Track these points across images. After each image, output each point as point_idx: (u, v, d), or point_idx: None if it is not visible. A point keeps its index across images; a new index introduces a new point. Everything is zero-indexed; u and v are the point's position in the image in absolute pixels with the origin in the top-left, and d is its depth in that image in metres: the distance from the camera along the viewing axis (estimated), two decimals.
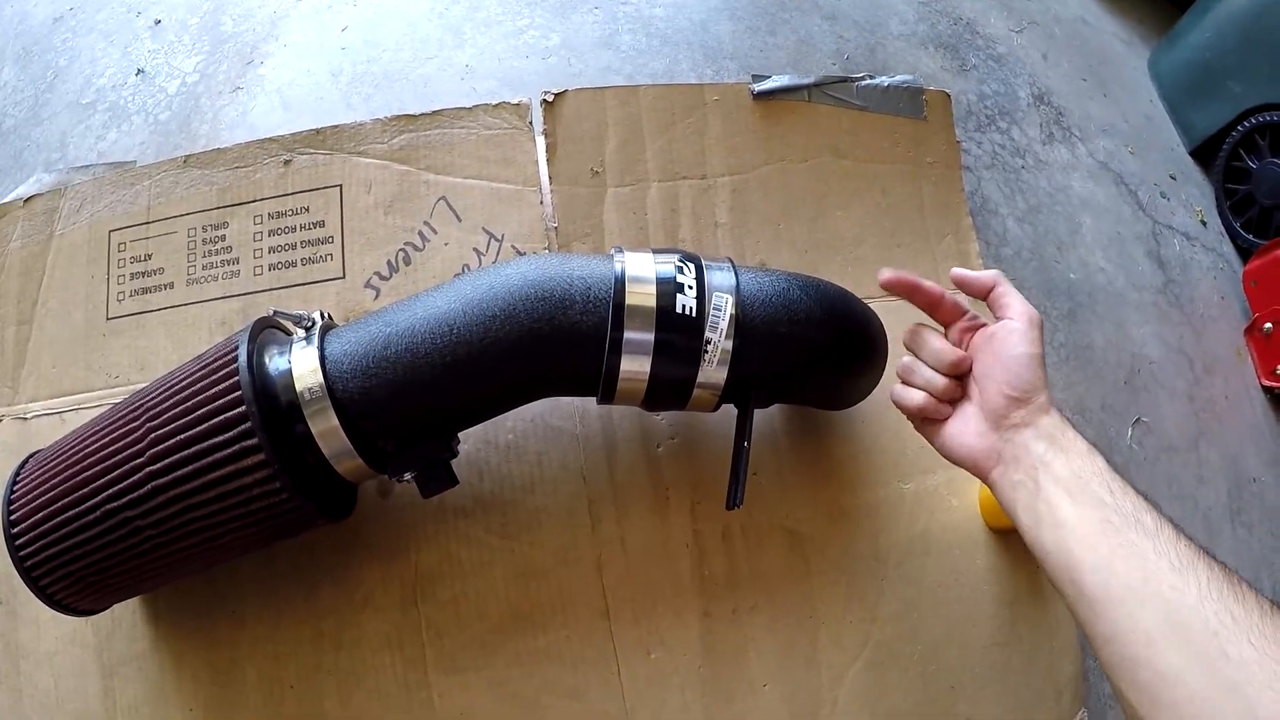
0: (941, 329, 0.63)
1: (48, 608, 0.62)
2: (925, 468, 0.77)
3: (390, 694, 0.67)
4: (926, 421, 0.61)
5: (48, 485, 0.59)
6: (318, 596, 0.69)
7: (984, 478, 0.56)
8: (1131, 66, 1.31)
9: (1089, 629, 0.46)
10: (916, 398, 0.60)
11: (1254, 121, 1.22)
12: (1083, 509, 0.48)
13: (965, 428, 0.57)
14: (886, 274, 0.61)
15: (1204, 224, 1.18)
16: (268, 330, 0.62)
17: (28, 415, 0.76)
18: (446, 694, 0.67)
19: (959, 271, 0.61)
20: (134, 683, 0.69)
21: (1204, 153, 1.29)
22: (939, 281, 0.83)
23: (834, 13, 1.04)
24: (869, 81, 0.86)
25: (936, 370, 0.59)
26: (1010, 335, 0.56)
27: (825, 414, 0.76)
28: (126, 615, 0.70)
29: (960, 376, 0.59)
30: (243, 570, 0.69)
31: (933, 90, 0.88)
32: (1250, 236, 1.22)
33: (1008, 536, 0.77)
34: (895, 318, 0.72)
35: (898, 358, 0.73)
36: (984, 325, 0.60)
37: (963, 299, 0.62)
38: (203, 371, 0.58)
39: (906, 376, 0.61)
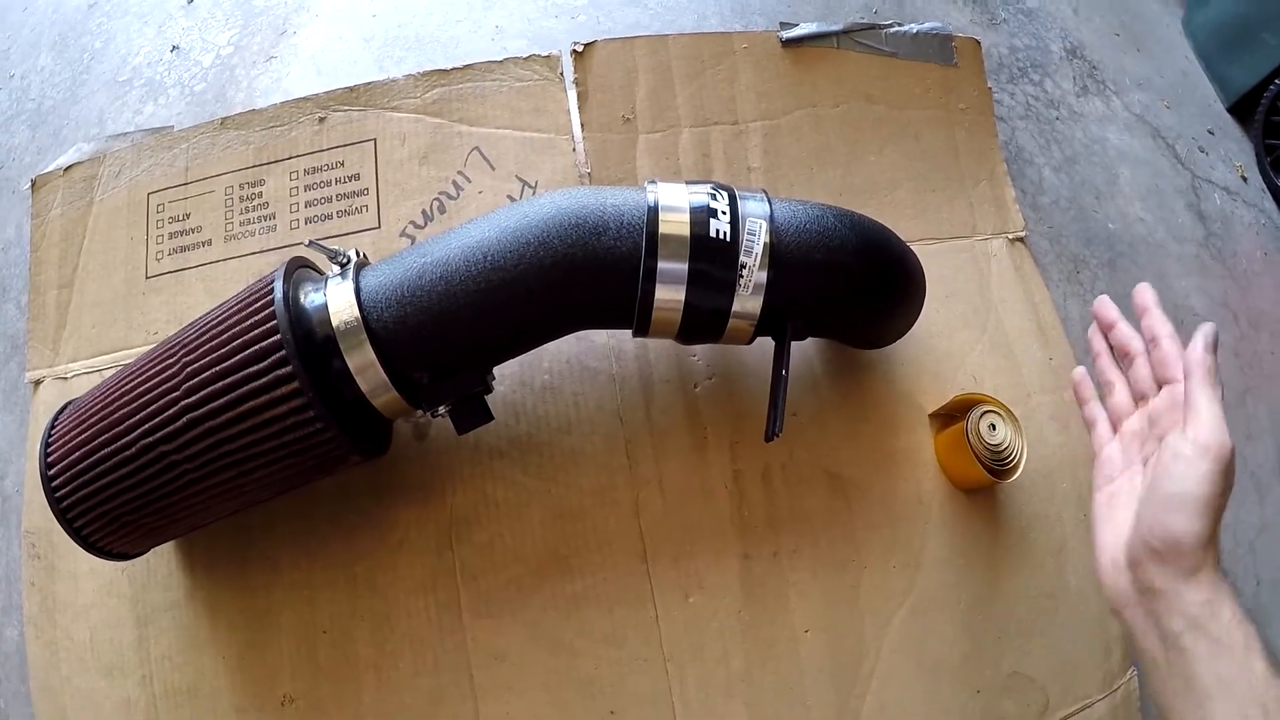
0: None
1: (85, 560, 0.63)
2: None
3: (424, 637, 0.67)
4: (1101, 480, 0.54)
5: (84, 426, 0.60)
6: (352, 541, 0.69)
7: (1120, 611, 0.48)
8: (1165, 24, 1.29)
9: None
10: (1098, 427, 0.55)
11: None
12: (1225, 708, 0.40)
13: (1106, 558, 0.49)
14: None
15: (1245, 180, 1.15)
16: (302, 269, 0.63)
17: (68, 375, 0.77)
18: (481, 637, 0.67)
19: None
20: (168, 632, 0.69)
21: (1242, 109, 1.25)
22: (974, 226, 0.83)
23: None
24: (898, 29, 0.85)
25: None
26: (1174, 463, 0.45)
27: (863, 354, 0.75)
28: (161, 564, 0.71)
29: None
30: (278, 516, 0.70)
31: (962, 37, 0.87)
32: None
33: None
34: (932, 260, 0.71)
35: (937, 300, 0.72)
36: (1176, 385, 0.51)
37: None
38: (238, 307, 0.58)
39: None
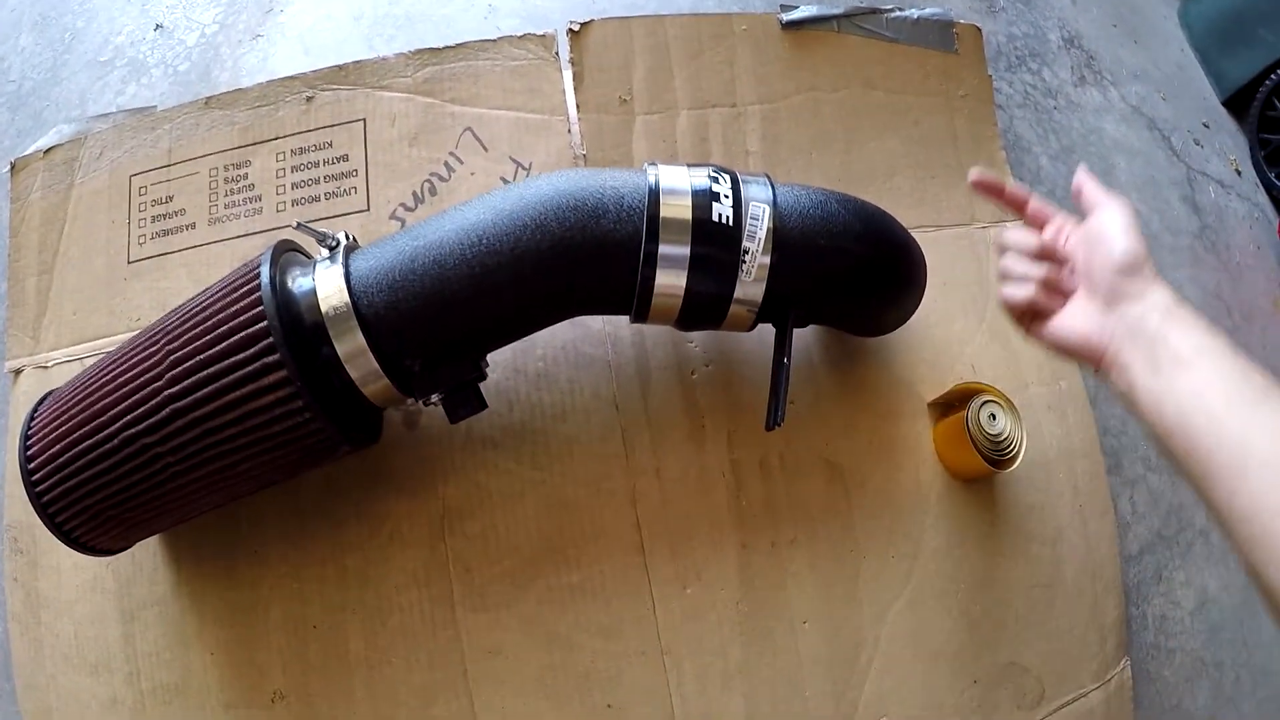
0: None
1: (68, 555, 0.61)
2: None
3: (417, 632, 0.66)
4: (1034, 318, 0.56)
5: (65, 418, 0.58)
6: (342, 533, 0.68)
7: (1098, 364, 0.51)
8: (1161, 16, 1.29)
9: (1222, 509, 0.42)
10: (1023, 291, 0.55)
11: None
12: (1209, 382, 0.45)
13: (1075, 313, 0.53)
14: (975, 174, 0.59)
15: (1239, 173, 1.15)
16: (290, 253, 0.61)
17: (49, 364, 0.75)
18: (475, 631, 0.66)
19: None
20: (154, 627, 0.68)
21: (1237, 102, 1.26)
22: (973, 214, 0.83)
23: None
24: (899, 14, 0.84)
25: (1036, 258, 0.56)
26: (1108, 221, 0.52)
27: (861, 341, 0.74)
28: (147, 559, 0.69)
29: (1059, 262, 0.56)
30: (266, 508, 0.68)
31: (963, 24, 0.86)
32: None
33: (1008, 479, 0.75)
34: (931, 248, 0.70)
35: (935, 288, 0.71)
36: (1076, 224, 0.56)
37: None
38: (222, 292, 0.56)
39: (1008, 273, 0.57)
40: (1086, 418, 0.80)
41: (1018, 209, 0.60)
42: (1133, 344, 0.49)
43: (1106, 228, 0.52)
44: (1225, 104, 1.27)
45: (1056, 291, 0.55)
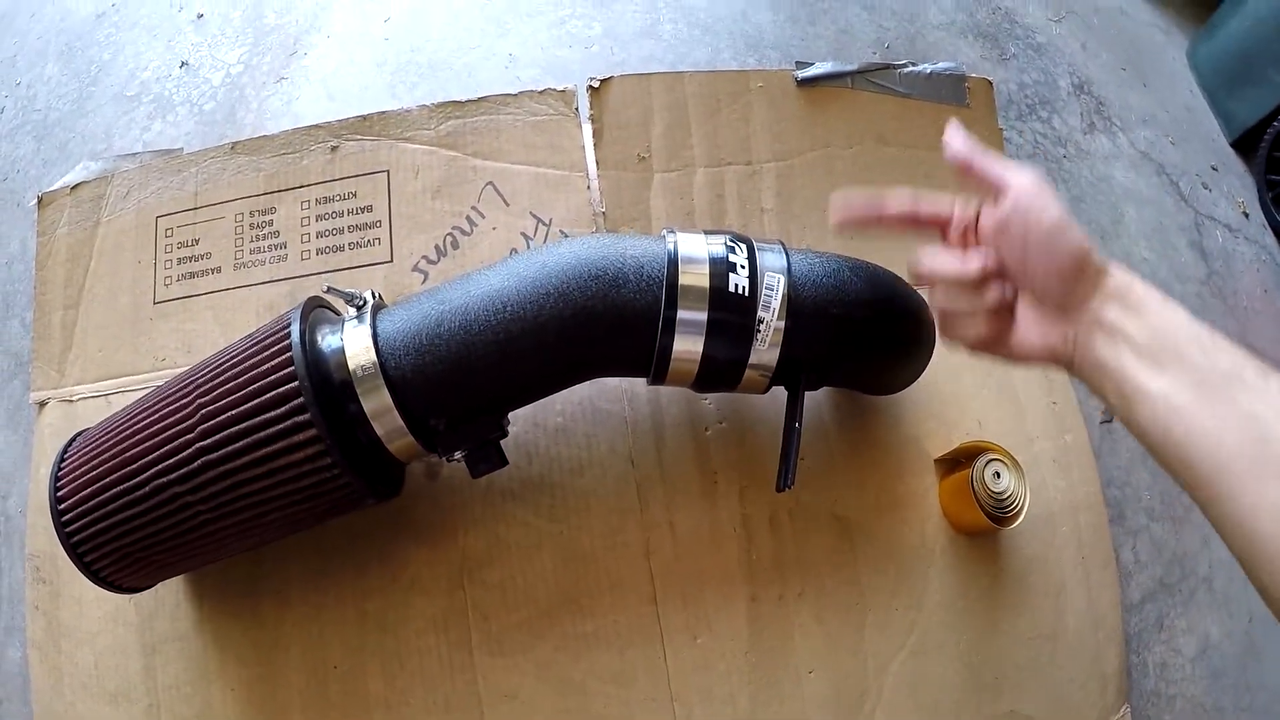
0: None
1: (91, 586, 0.62)
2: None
3: (435, 676, 0.67)
4: (988, 345, 0.52)
5: (96, 461, 0.59)
6: (364, 578, 0.69)
7: (1069, 370, 0.48)
8: (1170, 57, 1.30)
9: (1210, 513, 0.40)
10: (974, 332, 0.51)
11: None
12: (1172, 377, 0.41)
13: (1029, 329, 0.49)
14: (839, 215, 0.53)
15: (1246, 216, 1.16)
16: (319, 310, 0.63)
17: (74, 398, 0.76)
18: (491, 677, 0.67)
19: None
20: (175, 662, 0.69)
21: (1245, 144, 1.26)
22: None
23: (873, 3, 1.05)
24: (912, 69, 0.85)
25: (968, 288, 0.50)
26: (1028, 209, 0.46)
27: (872, 399, 0.75)
28: (170, 594, 0.70)
29: (998, 278, 0.50)
30: (289, 550, 0.69)
31: (975, 77, 0.87)
32: None
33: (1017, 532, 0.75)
34: None
35: (944, 344, 0.72)
36: (978, 211, 0.51)
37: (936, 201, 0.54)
38: (255, 349, 0.58)
39: (949, 314, 0.52)
40: (1090, 470, 0.81)
41: (915, 225, 0.54)
42: (1092, 346, 0.46)
43: (1032, 225, 0.46)
44: (1233, 145, 1.28)
45: (1004, 310, 0.50)
